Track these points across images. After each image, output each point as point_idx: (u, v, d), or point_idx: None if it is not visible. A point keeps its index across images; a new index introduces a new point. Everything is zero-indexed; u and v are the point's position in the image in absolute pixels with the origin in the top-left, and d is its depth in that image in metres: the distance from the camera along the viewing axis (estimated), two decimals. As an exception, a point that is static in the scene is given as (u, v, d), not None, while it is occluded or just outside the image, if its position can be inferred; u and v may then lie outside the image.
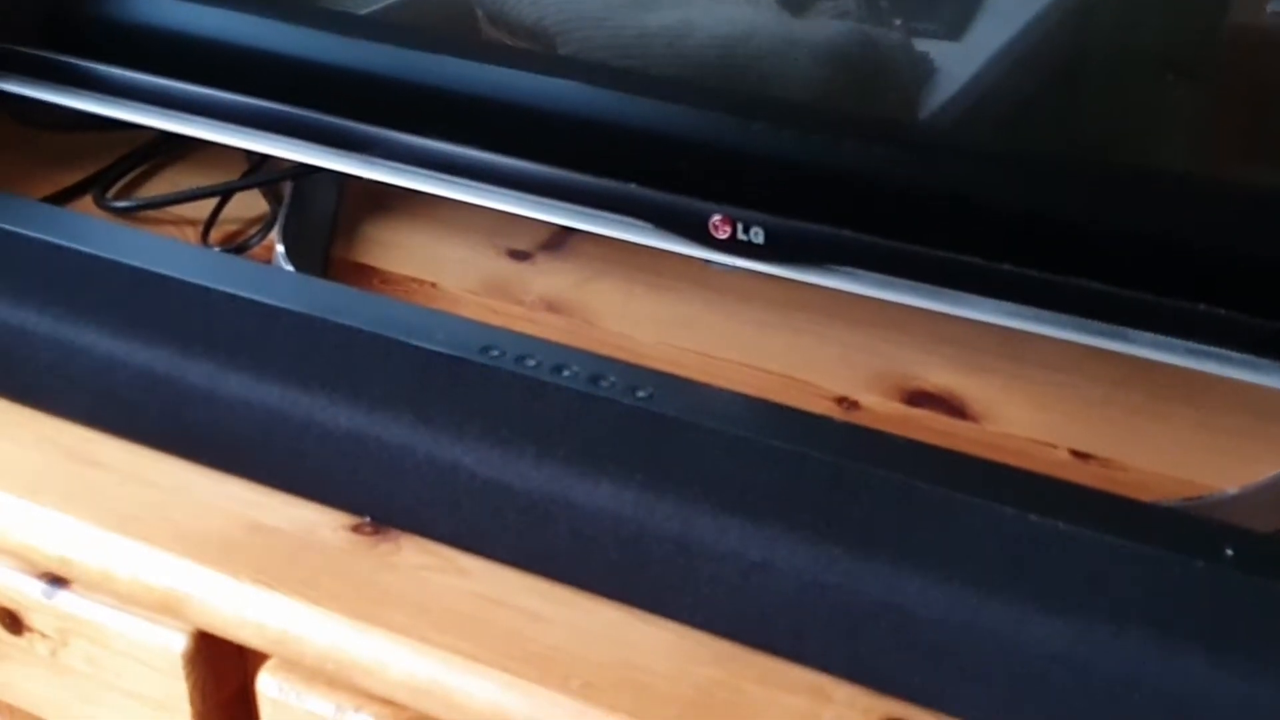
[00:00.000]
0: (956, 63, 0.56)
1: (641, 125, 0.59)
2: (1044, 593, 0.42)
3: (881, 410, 0.58)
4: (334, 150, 0.62)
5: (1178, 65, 0.53)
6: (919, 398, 0.59)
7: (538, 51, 0.62)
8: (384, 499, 0.51)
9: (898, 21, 0.57)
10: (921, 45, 0.57)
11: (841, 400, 0.59)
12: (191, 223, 0.69)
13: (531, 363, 0.49)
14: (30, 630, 0.57)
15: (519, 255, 0.68)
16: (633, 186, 0.58)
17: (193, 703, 0.54)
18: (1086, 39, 0.55)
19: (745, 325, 0.63)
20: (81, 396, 0.55)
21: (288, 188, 0.69)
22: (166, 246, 0.58)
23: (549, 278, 0.66)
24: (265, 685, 0.52)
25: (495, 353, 0.50)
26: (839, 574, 0.44)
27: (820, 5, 0.59)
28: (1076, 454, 0.55)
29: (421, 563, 0.50)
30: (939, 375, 0.60)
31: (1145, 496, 0.52)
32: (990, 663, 0.43)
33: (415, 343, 0.50)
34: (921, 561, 0.43)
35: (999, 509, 0.42)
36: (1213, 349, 0.50)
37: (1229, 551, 0.41)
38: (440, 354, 0.50)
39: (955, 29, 0.57)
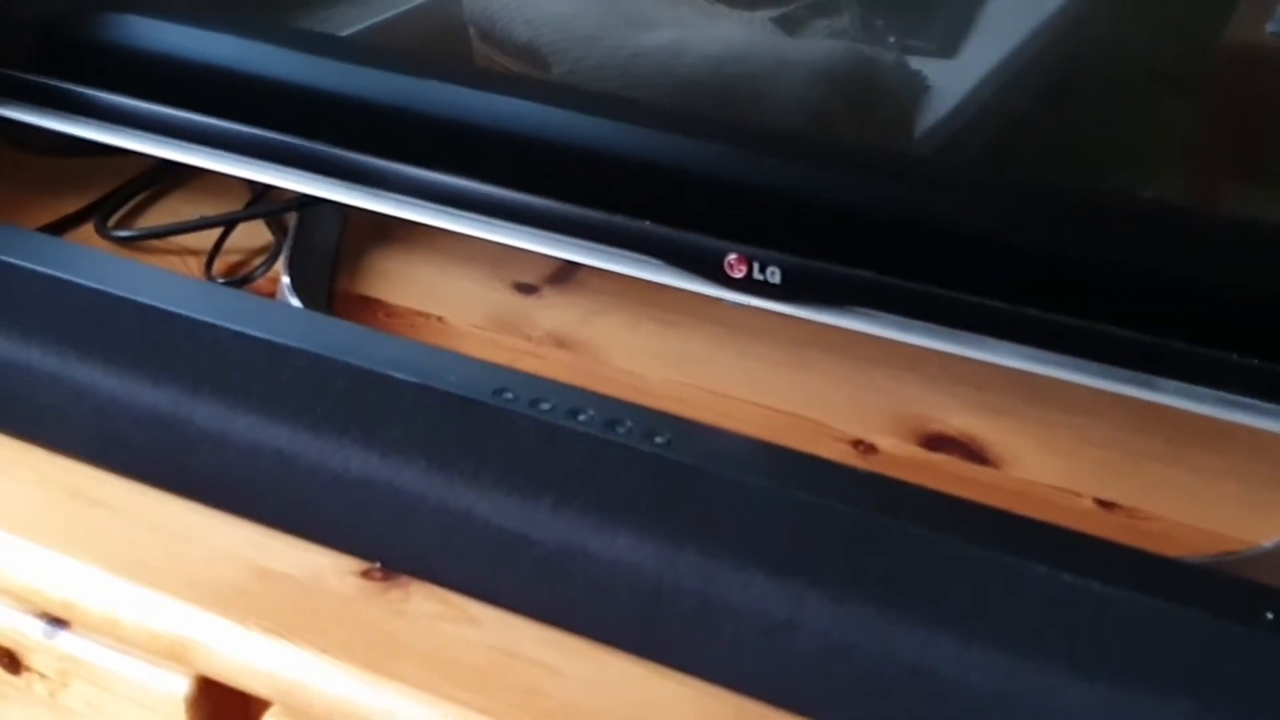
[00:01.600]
0: (963, 98, 0.56)
1: (655, 160, 0.58)
2: (1080, 657, 0.41)
3: (899, 454, 0.57)
4: (339, 182, 0.61)
5: (1195, 91, 0.52)
6: (937, 441, 0.58)
7: (550, 82, 0.61)
8: (394, 545, 0.50)
9: (892, 39, 0.56)
10: (918, 63, 0.56)
11: (858, 443, 0.58)
12: (194, 253, 0.68)
13: (546, 406, 0.48)
14: (29, 670, 0.55)
15: (525, 289, 0.67)
16: (647, 224, 0.57)
17: (194, 748, 0.53)
18: (1111, 71, 0.54)
19: (756, 363, 0.62)
20: (86, 436, 0.54)
21: (292, 218, 0.68)
22: (173, 281, 0.57)
23: (556, 312, 0.65)
24: (269, 733, 0.51)
25: (509, 395, 0.49)
26: (865, 634, 0.43)
27: (814, 25, 0.58)
28: (1101, 503, 0.55)
29: (432, 611, 0.49)
30: (957, 418, 0.59)
31: (1173, 548, 0.52)
32: (1022, 727, 0.42)
33: (428, 384, 0.49)
34: (953, 623, 0.42)
35: (1032, 568, 0.41)
36: (1241, 399, 0.49)
37: (1269, 615, 0.40)
38: (453, 396, 0.49)
39: (949, 47, 0.56)
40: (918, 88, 0.55)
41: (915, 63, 0.56)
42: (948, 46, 0.56)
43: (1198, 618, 0.40)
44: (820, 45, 0.57)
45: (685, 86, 0.58)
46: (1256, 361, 0.48)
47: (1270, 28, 0.50)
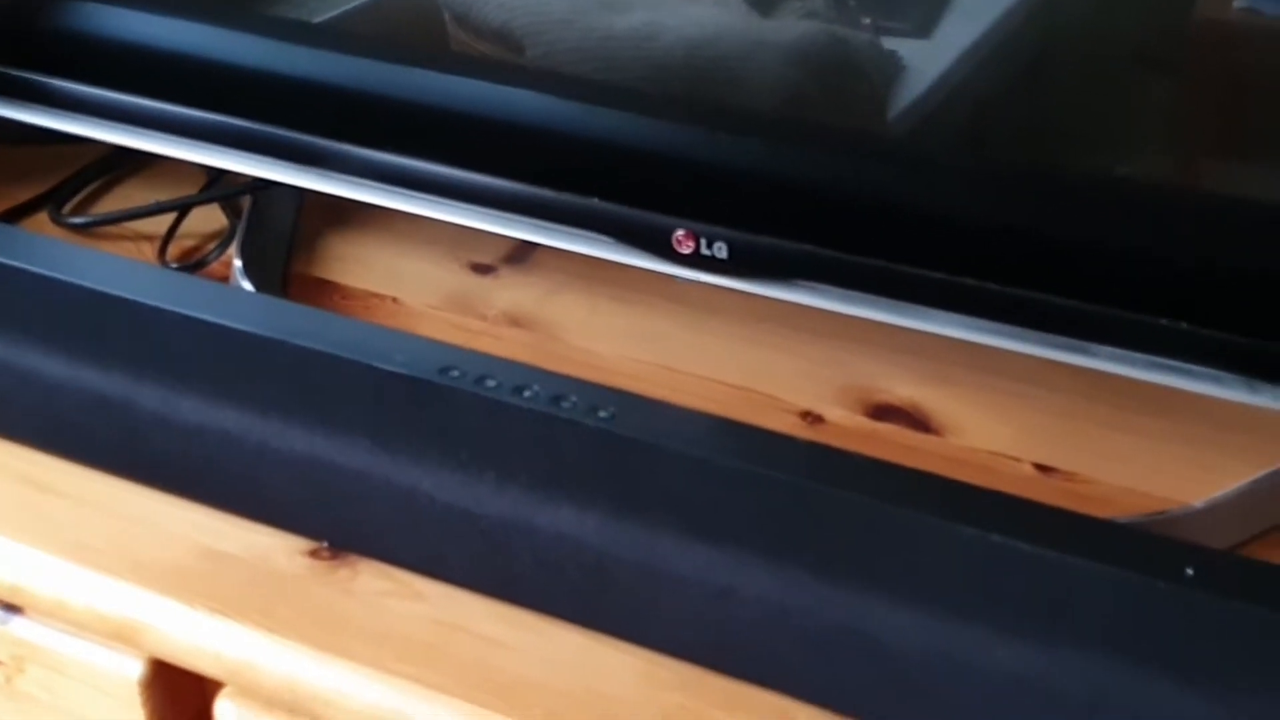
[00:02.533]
0: (925, 63, 0.56)
1: (604, 139, 0.58)
2: (1008, 616, 0.42)
3: (846, 424, 0.58)
4: (293, 165, 0.61)
5: (1147, 65, 0.53)
6: (883, 411, 0.59)
7: (499, 62, 0.62)
8: (341, 524, 0.50)
9: (866, 20, 0.57)
10: (890, 43, 0.56)
11: (806, 414, 0.59)
12: (149, 238, 0.68)
13: (492, 383, 0.49)
14: (-16, 657, 0.56)
15: (482, 269, 0.67)
16: (595, 201, 0.57)
17: (150, 729, 0.53)
18: (1049, 48, 0.55)
19: (710, 338, 0.63)
20: (33, 421, 0.54)
21: (246, 203, 0.68)
22: (120, 266, 0.57)
23: (512, 291, 0.66)
24: (223, 712, 0.51)
25: (455, 373, 0.49)
26: (804, 598, 0.44)
27: (788, 5, 0.58)
28: (1040, 468, 0.55)
29: (380, 588, 0.50)
30: (904, 388, 0.60)
31: (1109, 511, 0.52)
32: (955, 687, 0.42)
33: (373, 364, 0.49)
34: (886, 585, 0.43)
35: (961, 530, 0.42)
36: (1176, 363, 0.50)
37: (1190, 571, 0.40)
38: (399, 375, 0.49)
39: (924, 27, 0.56)
40: (892, 68, 0.56)
41: (890, 43, 0.56)
42: (922, 27, 0.56)
43: (1121, 575, 0.40)
44: (794, 26, 0.57)
45: (659, 69, 0.58)
46: (1185, 326, 0.48)
47: (1237, 3, 0.51)
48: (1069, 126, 0.55)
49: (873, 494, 0.43)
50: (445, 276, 0.67)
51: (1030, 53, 0.55)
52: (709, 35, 0.59)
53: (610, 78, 0.59)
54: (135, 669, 0.52)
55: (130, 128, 0.64)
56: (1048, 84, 0.55)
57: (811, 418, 0.58)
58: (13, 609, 0.54)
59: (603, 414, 0.47)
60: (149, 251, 0.68)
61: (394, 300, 0.65)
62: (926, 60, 0.56)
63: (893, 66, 0.56)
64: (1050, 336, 0.51)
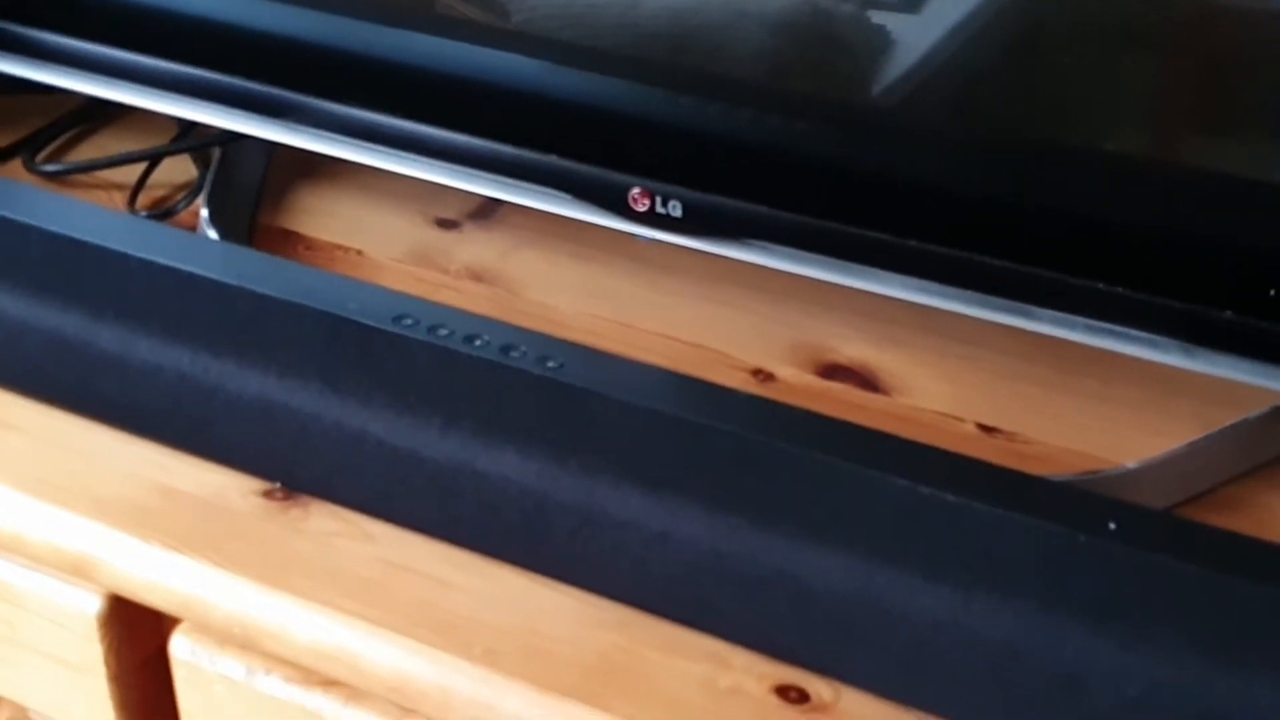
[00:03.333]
0: (902, 38, 0.57)
1: (564, 97, 0.59)
2: (932, 563, 0.43)
3: (796, 382, 0.59)
4: (261, 117, 0.62)
5: (1113, 39, 0.54)
6: (833, 370, 0.60)
7: (466, 21, 0.62)
8: (293, 465, 0.52)
9: None
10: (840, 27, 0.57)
11: (757, 372, 0.60)
12: (120, 187, 0.69)
13: (444, 332, 0.50)
14: (-54, 592, 0.57)
15: (446, 224, 0.68)
16: (553, 158, 0.58)
17: (108, 665, 0.54)
18: (1014, 24, 0.56)
19: (666, 296, 0.64)
20: (-7, 359, 0.55)
21: (216, 153, 0.69)
22: (83, 211, 0.58)
23: (475, 247, 0.67)
24: (178, 647, 0.52)
25: (409, 322, 0.50)
26: (737, 543, 0.45)
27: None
28: (983, 428, 0.57)
29: (330, 529, 0.51)
30: (853, 348, 0.61)
31: (1048, 469, 0.54)
32: (880, 630, 0.44)
33: (329, 310, 0.50)
34: (817, 532, 0.44)
35: (891, 480, 0.43)
36: (1113, 326, 0.51)
37: (1112, 525, 0.42)
38: (351, 322, 0.50)
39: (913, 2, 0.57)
40: (877, 41, 0.56)
41: (879, 17, 0.57)
42: (911, 2, 0.57)
43: (1045, 527, 0.42)
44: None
45: (643, 36, 0.59)
46: (1122, 290, 0.50)
47: None
48: (1015, 96, 0.55)
49: (808, 445, 0.45)
50: (410, 231, 0.68)
51: (991, 32, 0.55)
52: (693, 3, 0.59)
53: (594, 44, 0.60)
54: (94, 604, 0.53)
55: (104, 79, 0.64)
56: (1019, 60, 0.55)
57: (762, 375, 0.60)
58: (-27, 544, 0.55)
59: (551, 364, 0.48)
60: (120, 200, 0.69)
61: (358, 253, 0.66)
62: (883, 60, 0.56)
63: (878, 40, 0.57)
64: (993, 299, 0.52)
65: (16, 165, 0.71)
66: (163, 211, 0.67)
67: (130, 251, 0.52)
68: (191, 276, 0.51)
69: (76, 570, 0.52)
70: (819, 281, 0.56)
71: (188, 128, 0.71)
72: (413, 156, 0.61)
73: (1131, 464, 0.53)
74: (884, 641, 0.44)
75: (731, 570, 0.45)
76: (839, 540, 0.44)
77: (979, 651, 0.43)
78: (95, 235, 0.52)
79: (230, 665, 0.51)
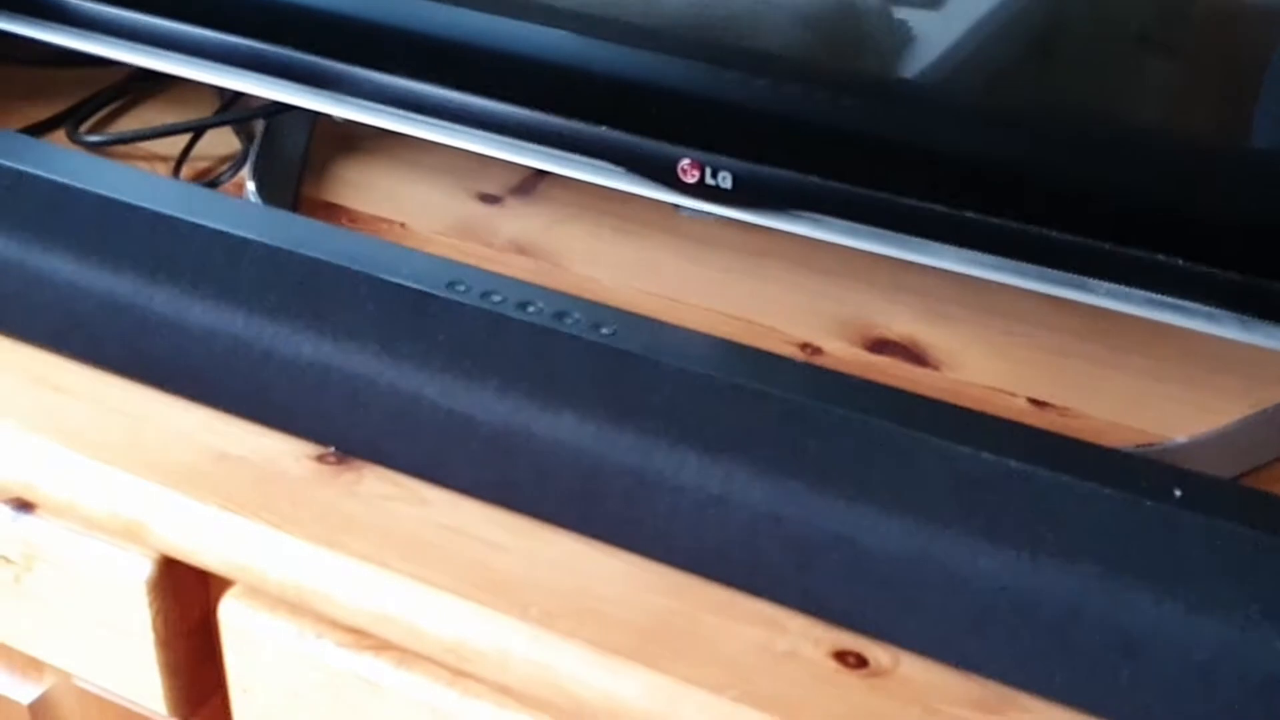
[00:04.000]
0: (930, 27, 0.56)
1: (614, 70, 0.59)
2: (994, 528, 0.43)
3: (844, 356, 0.59)
4: (306, 88, 0.62)
5: (1134, 20, 0.53)
6: (881, 345, 0.60)
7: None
8: (347, 429, 0.51)
9: None
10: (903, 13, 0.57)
11: (805, 346, 0.60)
12: (163, 159, 0.69)
13: (497, 298, 0.50)
14: (-5, 556, 0.57)
15: (489, 199, 0.68)
16: (603, 129, 0.58)
17: (155, 630, 0.55)
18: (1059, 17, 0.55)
19: (712, 271, 0.64)
20: (47, 323, 0.55)
21: (259, 125, 0.69)
22: (135, 177, 0.58)
23: (518, 221, 0.67)
24: (228, 611, 0.52)
25: (461, 288, 0.50)
26: (794, 507, 0.45)
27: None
28: (1035, 402, 0.56)
29: (384, 492, 0.51)
30: (902, 324, 0.60)
31: (1101, 444, 0.53)
32: (940, 595, 0.43)
33: (381, 276, 0.50)
34: (876, 496, 0.44)
35: (952, 447, 0.43)
36: (1171, 300, 0.51)
37: (1177, 492, 0.42)
38: (406, 288, 0.50)
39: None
40: (876, 22, 0.56)
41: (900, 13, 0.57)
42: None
43: (1108, 493, 0.41)
44: None
45: (670, 24, 0.59)
46: (1182, 262, 0.49)
47: None
48: (1067, 76, 0.55)
49: (867, 410, 0.44)
50: (453, 205, 0.68)
51: (1032, 13, 0.55)
52: None
53: (637, 19, 0.59)
54: (144, 568, 0.54)
55: (147, 48, 0.65)
56: (1050, 39, 0.55)
57: (810, 349, 0.59)
58: (23, 507, 0.55)
59: (605, 330, 0.49)
60: (163, 171, 0.69)
61: (401, 225, 0.66)
62: (932, 26, 0.56)
63: (902, 34, 0.57)
64: (1050, 271, 0.52)
65: (59, 136, 0.71)
66: (207, 183, 0.67)
67: (184, 216, 0.52)
68: (245, 241, 0.51)
69: (130, 534, 0.52)
70: (864, 256, 0.56)
71: (230, 100, 0.71)
72: (460, 128, 0.61)
73: (1182, 438, 0.53)
74: (944, 606, 0.44)
75: (787, 534, 0.45)
76: (899, 505, 0.44)
77: (1041, 616, 0.42)
78: (150, 200, 0.53)
79: (281, 629, 0.51)
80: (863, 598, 0.45)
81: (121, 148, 0.70)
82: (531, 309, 0.49)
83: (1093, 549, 0.42)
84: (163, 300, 0.53)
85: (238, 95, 0.69)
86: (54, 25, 0.66)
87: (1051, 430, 0.48)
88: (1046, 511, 0.42)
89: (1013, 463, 0.42)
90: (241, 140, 0.70)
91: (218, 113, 0.71)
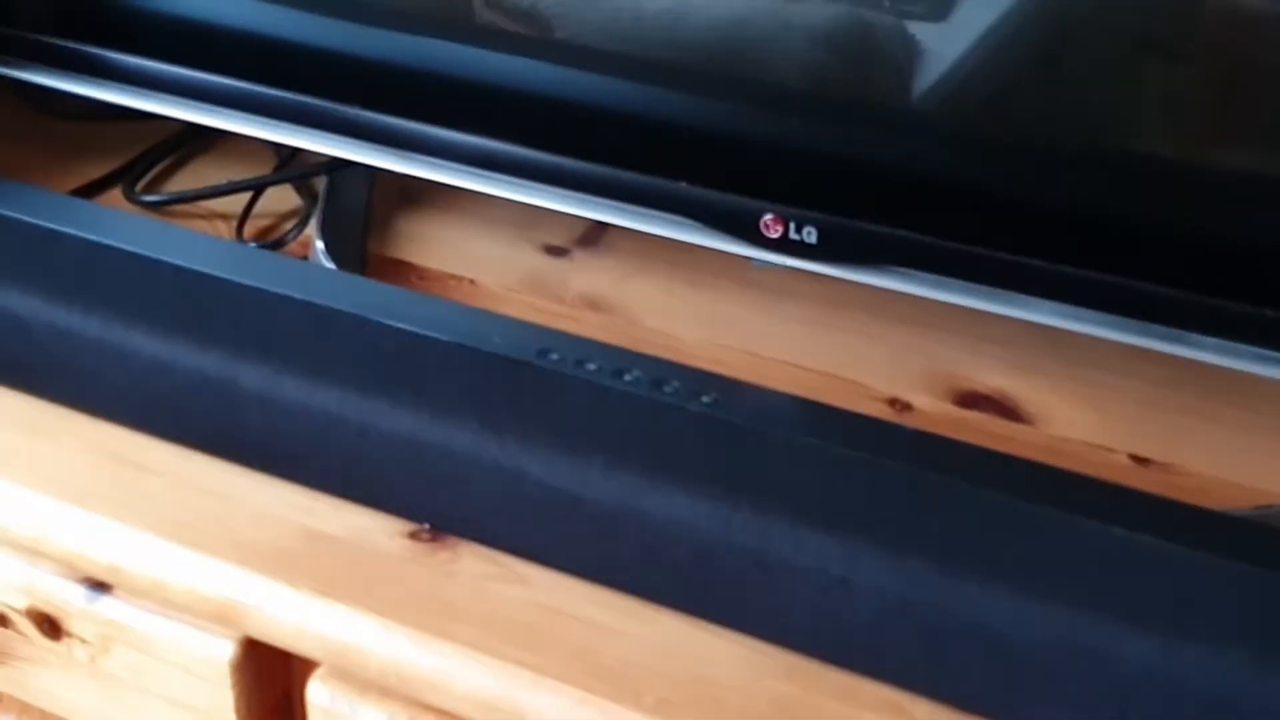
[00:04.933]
0: (995, 64, 0.55)
1: (691, 122, 0.58)
2: (1132, 610, 0.41)
3: (934, 412, 0.58)
4: (369, 144, 0.61)
5: (1184, 51, 0.52)
6: (971, 399, 0.58)
7: (582, 45, 0.61)
8: (444, 506, 0.50)
9: (887, 3, 0.56)
10: (913, 27, 0.56)
11: (893, 401, 0.58)
12: (223, 217, 0.68)
13: (592, 366, 0.48)
14: (69, 635, 0.56)
15: (556, 251, 0.67)
16: (682, 185, 0.57)
17: (238, 711, 0.53)
18: (1134, 29, 0.54)
19: (789, 323, 0.62)
20: (130, 400, 0.54)
21: (321, 182, 0.68)
22: (213, 245, 0.57)
23: (588, 274, 0.65)
24: (316, 694, 0.51)
25: (554, 356, 0.49)
26: (921, 590, 0.43)
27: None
28: (1136, 459, 0.55)
29: (482, 571, 0.49)
30: (989, 376, 0.59)
31: (1208, 502, 0.52)
32: (1077, 681, 0.42)
33: (473, 345, 0.49)
34: (1008, 578, 0.43)
35: (1083, 523, 0.42)
36: (1276, 354, 0.49)
37: (1317, 566, 0.40)
38: (499, 357, 0.49)
39: (940, 11, 0.56)
40: (913, 51, 0.55)
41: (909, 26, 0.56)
42: (939, 10, 0.56)
43: (1249, 570, 0.40)
44: (822, 9, 0.57)
45: (688, 51, 0.58)
46: (1287, 315, 0.48)
47: None
48: (1167, 131, 0.54)
49: (990, 484, 0.43)
50: (520, 258, 0.66)
51: (1121, 52, 0.54)
52: (738, 17, 0.58)
53: (721, 71, 0.58)
54: (225, 650, 0.52)
55: (202, 104, 0.63)
56: (1133, 83, 0.54)
57: (899, 405, 0.58)
58: (100, 587, 0.54)
59: (705, 399, 0.47)
60: (224, 230, 0.67)
61: (471, 282, 0.65)
62: (995, 62, 0.55)
63: (913, 49, 0.56)
64: (1149, 326, 0.51)
65: (115, 195, 0.69)
66: (273, 242, 0.66)
67: (269, 287, 0.50)
68: (334, 312, 0.50)
69: (218, 616, 0.51)
70: (947, 306, 0.54)
71: (288, 155, 0.70)
72: (533, 184, 0.59)
73: (1304, 497, 0.52)
74: (1080, 692, 0.42)
75: (915, 618, 0.44)
76: (1028, 585, 0.43)
77: (1184, 702, 0.41)
78: (230, 270, 0.51)
79: (372, 714, 0.50)
80: (994, 683, 0.43)
81: (179, 206, 0.69)
82: (628, 377, 0.48)
83: (1235, 629, 0.41)
84: (250, 375, 0.51)
85: (295, 150, 0.68)
86: (104, 82, 0.65)
87: (1159, 492, 0.47)
88: (1185, 591, 0.41)
89: (1147, 538, 0.41)
90: (302, 196, 0.69)
91: (278, 169, 0.70)
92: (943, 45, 0.55)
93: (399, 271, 0.65)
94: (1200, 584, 0.41)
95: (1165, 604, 0.41)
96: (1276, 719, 0.40)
